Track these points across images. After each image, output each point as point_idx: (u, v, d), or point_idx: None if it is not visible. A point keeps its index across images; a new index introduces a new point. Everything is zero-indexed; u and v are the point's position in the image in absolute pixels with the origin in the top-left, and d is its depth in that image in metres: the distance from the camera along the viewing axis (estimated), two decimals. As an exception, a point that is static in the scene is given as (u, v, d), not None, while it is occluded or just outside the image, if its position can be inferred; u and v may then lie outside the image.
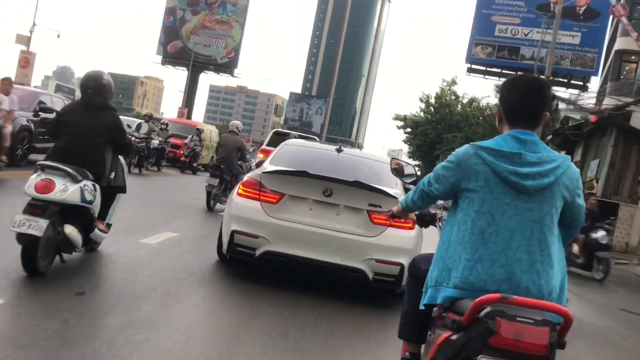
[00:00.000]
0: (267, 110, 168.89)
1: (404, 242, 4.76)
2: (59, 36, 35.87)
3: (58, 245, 4.19)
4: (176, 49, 51.35)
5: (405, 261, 4.60)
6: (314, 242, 4.67)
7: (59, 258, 4.30)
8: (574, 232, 2.32)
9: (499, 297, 1.94)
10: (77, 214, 4.26)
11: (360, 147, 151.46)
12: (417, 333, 2.58)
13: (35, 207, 3.91)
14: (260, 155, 14.15)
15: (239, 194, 4.99)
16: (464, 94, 54.66)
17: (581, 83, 36.07)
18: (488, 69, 39.05)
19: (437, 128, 52.50)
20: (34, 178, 4.07)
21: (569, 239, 2.32)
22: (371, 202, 4.73)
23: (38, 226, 3.82)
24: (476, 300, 1.97)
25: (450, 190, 2.31)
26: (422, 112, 55.71)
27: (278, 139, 13.90)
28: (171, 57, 51.71)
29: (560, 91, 36.83)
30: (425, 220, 2.85)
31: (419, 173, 4.67)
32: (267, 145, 16.07)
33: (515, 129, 2.24)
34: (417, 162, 61.04)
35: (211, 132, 24.54)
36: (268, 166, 5.28)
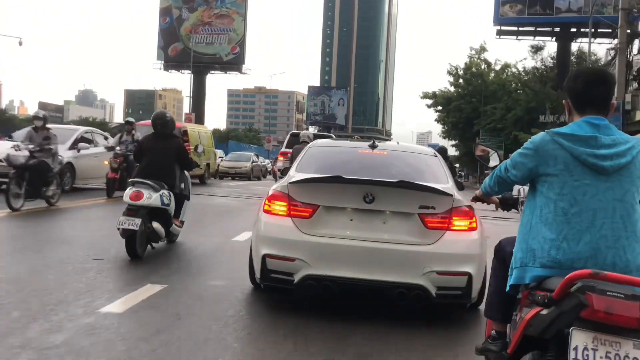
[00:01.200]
0: (288, 108, 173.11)
1: (468, 247, 4.35)
2: (20, 44, 36.11)
3: (148, 236, 6.14)
4: (177, 51, 50.47)
5: (473, 269, 4.25)
6: (360, 258, 4.26)
7: (150, 246, 6.29)
8: None
9: (591, 273, 2.08)
10: (159, 214, 6.19)
11: (388, 134, 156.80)
12: (503, 312, 2.75)
13: (131, 210, 5.88)
14: (281, 159, 13.33)
15: (266, 211, 4.52)
16: (496, 61, 52.52)
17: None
18: (520, 28, 37.80)
19: (471, 102, 50.36)
20: (128, 191, 6.03)
21: None
22: (422, 204, 4.29)
23: (135, 223, 5.74)
24: (568, 275, 2.12)
25: (528, 175, 2.52)
26: (453, 87, 53.72)
27: (295, 140, 13.62)
28: (173, 61, 51.10)
29: (605, 43, 35.03)
30: (508, 204, 3.12)
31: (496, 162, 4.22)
32: (286, 147, 16.19)
33: (585, 116, 2.43)
34: (454, 142, 59.19)
35: (199, 134, 22.10)
36: (295, 174, 4.83)
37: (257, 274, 4.51)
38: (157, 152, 6.49)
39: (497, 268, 2.90)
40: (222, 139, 61.11)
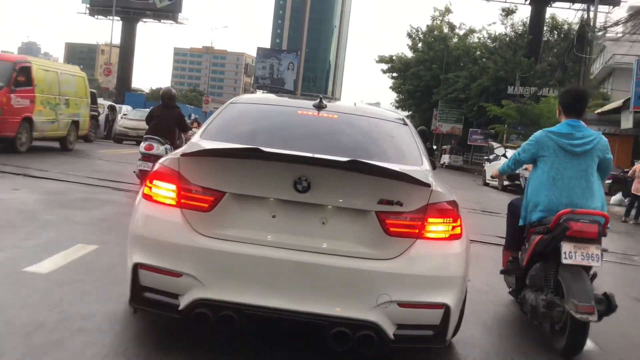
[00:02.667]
0: (236, 70, 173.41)
1: (448, 265, 3.13)
2: None
3: None
4: (105, -6, 46.72)
5: (451, 299, 3.08)
6: (282, 277, 2.99)
7: None
8: (605, 175, 4.35)
9: (570, 211, 3.96)
10: None
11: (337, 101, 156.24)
12: (517, 244, 4.61)
13: (145, 157, 8.58)
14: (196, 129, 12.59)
15: (145, 197, 3.22)
16: (460, 24, 51.42)
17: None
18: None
19: (431, 68, 49.11)
20: (143, 143, 8.91)
21: (604, 179, 4.34)
22: (384, 197, 3.03)
23: (148, 166, 8.07)
24: (557, 213, 3.97)
25: (531, 157, 4.39)
26: (412, 51, 52.36)
27: None
28: (99, 5, 47.45)
29: (579, 10, 34.77)
30: (513, 178, 5.67)
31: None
32: None
33: (569, 118, 4.32)
34: (407, 113, 58.05)
35: (61, 76, 15.23)
36: (195, 142, 3.53)
37: (128, 292, 3.19)
38: (163, 118, 9.21)
39: (510, 217, 4.80)
40: (155, 98, 59.20)
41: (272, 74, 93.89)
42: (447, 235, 3.11)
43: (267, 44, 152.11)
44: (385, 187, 3.01)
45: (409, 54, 52.63)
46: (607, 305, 3.79)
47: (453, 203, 3.16)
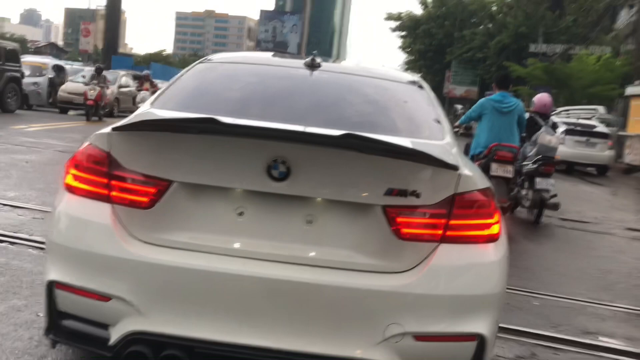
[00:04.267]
0: (239, 34, 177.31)
1: (482, 278, 2.39)
2: None
3: None
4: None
5: (487, 327, 2.36)
6: (253, 302, 2.27)
7: None
8: (522, 128, 7.76)
9: (498, 144, 7.35)
10: None
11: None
12: None
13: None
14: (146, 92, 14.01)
15: (67, 187, 2.49)
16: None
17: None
18: None
19: (444, 25, 47.98)
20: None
21: (521, 130, 7.73)
22: (393, 185, 2.28)
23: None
24: (489, 146, 7.38)
25: (478, 115, 7.64)
26: (423, 6, 51.07)
27: None
28: None
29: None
30: (468, 127, 8.06)
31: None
32: None
33: (500, 91, 7.73)
34: (418, 74, 56.87)
35: None
36: (140, 112, 2.82)
37: (45, 319, 2.51)
38: None
39: (464, 153, 5.66)
40: (146, 62, 59.37)
41: (274, 37, 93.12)
42: (481, 236, 2.38)
43: (270, 7, 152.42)
44: (396, 172, 2.27)
45: (420, 12, 51.62)
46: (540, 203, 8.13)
47: (488, 191, 2.42)
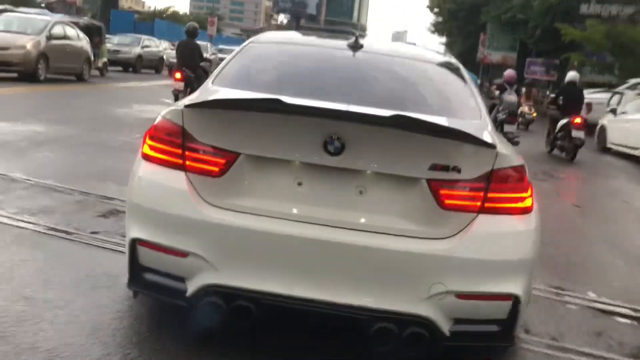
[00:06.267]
0: None
1: (518, 246, 2.94)
2: None
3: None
4: None
5: (521, 287, 2.90)
6: (310, 261, 2.80)
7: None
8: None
9: None
10: (191, 81, 12.44)
11: (363, 30, 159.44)
12: None
13: (178, 79, 12.63)
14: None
15: (145, 157, 3.05)
16: None
17: None
18: None
19: (479, -19, 46.86)
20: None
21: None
22: (437, 161, 2.81)
23: (181, 86, 12.56)
24: None
25: None
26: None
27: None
28: None
29: None
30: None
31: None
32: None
33: None
34: (444, 39, 56.01)
35: None
36: (205, 90, 3.40)
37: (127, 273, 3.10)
38: (185, 49, 13.08)
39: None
40: (151, 18, 59.44)
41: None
42: (517, 208, 2.90)
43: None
44: (439, 149, 2.79)
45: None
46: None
47: (522, 168, 2.95)
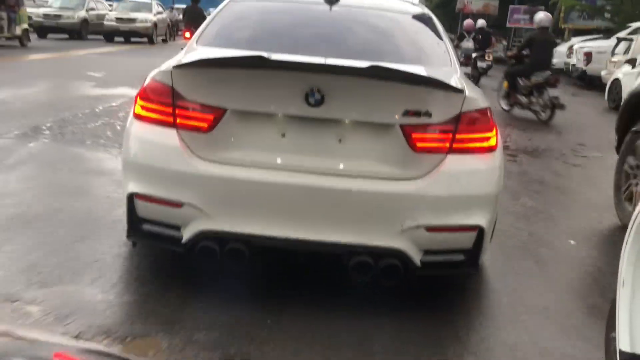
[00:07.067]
0: None
1: (482, 182, 3.32)
2: None
3: None
4: None
5: (485, 219, 3.29)
6: (295, 204, 3.20)
7: None
8: None
9: None
10: None
11: None
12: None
13: (187, 38, 12.95)
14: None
15: (136, 116, 3.39)
16: None
17: None
18: None
19: None
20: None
21: None
22: (409, 107, 3.15)
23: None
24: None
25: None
26: None
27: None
28: None
29: None
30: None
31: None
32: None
33: None
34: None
35: None
36: (190, 50, 3.71)
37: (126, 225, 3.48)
38: (192, 11, 16.76)
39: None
40: None
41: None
42: (481, 148, 3.27)
43: None
44: (412, 96, 3.14)
45: None
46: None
47: (488, 110, 3.32)
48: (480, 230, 3.27)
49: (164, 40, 29.02)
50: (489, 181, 3.32)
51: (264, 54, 3.10)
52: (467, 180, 3.25)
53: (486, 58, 19.28)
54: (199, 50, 3.65)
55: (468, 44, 17.38)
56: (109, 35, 26.12)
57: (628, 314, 2.22)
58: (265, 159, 3.17)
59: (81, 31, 25.68)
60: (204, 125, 3.17)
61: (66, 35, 25.45)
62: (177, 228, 3.24)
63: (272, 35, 3.89)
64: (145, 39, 27.17)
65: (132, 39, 26.77)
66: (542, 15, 12.25)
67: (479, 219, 3.26)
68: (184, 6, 22.19)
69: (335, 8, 4.06)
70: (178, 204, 3.18)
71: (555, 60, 16.04)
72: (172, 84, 3.21)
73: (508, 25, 42.83)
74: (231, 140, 3.19)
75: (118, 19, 26.24)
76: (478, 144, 3.27)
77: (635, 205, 4.96)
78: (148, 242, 3.51)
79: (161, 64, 3.41)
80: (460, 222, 3.24)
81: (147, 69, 3.65)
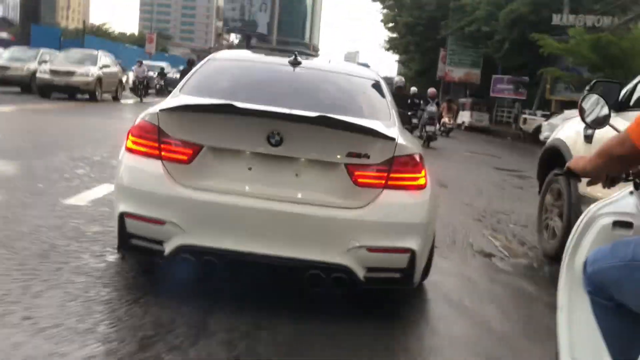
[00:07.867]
0: (207, 14, 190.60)
1: (412, 213, 4.10)
2: None
3: None
4: None
5: (417, 244, 4.06)
6: (259, 225, 3.95)
7: None
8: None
9: None
10: None
11: (315, 50, 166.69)
12: None
13: None
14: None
15: (128, 150, 4.20)
16: None
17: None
18: None
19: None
20: None
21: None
22: (352, 150, 3.99)
23: None
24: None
25: None
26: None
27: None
28: None
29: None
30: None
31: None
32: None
33: None
34: (399, 57, 54.97)
35: None
36: (174, 98, 4.62)
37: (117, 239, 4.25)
38: (188, 72, 15.07)
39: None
40: (78, 35, 55.99)
41: (242, 15, 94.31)
42: (412, 185, 4.08)
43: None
44: (353, 141, 3.95)
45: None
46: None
47: (418, 155, 4.12)
48: (412, 253, 4.01)
49: (115, 98, 26.67)
50: (419, 212, 4.10)
51: (235, 103, 3.94)
52: (399, 211, 4.02)
53: (448, 121, 27.72)
54: (181, 97, 4.56)
55: (432, 108, 21.68)
56: (43, 90, 23.02)
57: (567, 334, 2.62)
58: (235, 187, 3.93)
59: (30, 84, 23.83)
60: (184, 157, 3.95)
61: (18, 89, 24.28)
62: (160, 242, 3.95)
63: (243, 88, 4.82)
64: (87, 96, 24.21)
65: (79, 96, 24.21)
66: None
67: (411, 243, 4.02)
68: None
69: (297, 69, 5.03)
70: (161, 222, 3.91)
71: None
72: (158, 124, 4.02)
73: (492, 95, 42.86)
74: (207, 170, 3.96)
75: (52, 72, 23.12)
76: (409, 182, 4.07)
77: (550, 235, 6.41)
78: (135, 254, 4.35)
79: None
80: (395, 244, 4.00)
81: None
